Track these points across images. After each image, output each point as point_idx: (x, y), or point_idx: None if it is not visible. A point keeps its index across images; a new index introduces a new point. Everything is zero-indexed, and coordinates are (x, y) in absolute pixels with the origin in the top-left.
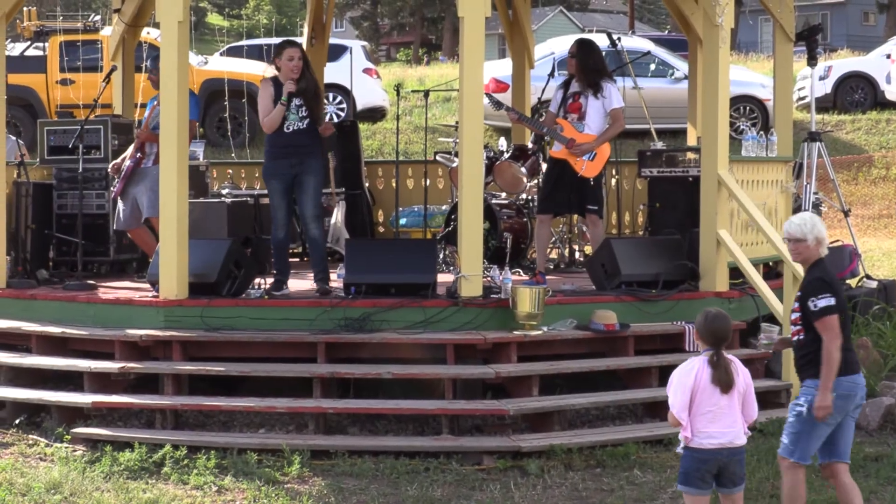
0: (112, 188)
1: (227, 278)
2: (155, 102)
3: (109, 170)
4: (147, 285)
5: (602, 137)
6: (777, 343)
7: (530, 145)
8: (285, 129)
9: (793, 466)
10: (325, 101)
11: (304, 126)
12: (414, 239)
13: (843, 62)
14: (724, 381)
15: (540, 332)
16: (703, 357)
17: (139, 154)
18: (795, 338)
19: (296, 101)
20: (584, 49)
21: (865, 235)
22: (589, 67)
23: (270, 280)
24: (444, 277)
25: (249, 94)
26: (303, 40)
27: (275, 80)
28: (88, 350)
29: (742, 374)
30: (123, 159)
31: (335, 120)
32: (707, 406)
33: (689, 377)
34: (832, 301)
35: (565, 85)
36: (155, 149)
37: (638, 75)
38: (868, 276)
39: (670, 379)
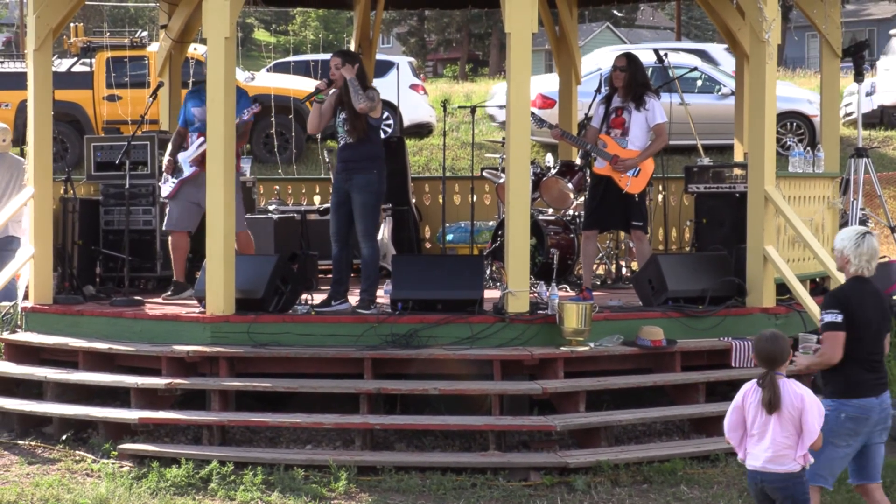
0: (161, 194)
1: (273, 294)
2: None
3: (164, 167)
4: (193, 301)
5: (646, 153)
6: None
7: (578, 161)
8: (339, 143)
9: (813, 490)
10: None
11: (351, 140)
12: (460, 255)
13: None
14: (767, 402)
15: (586, 348)
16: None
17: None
18: None
19: (342, 115)
20: (633, 62)
21: None
22: (637, 81)
23: (318, 296)
24: (490, 293)
25: (296, 110)
26: None
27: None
28: (135, 366)
29: (792, 398)
30: (172, 157)
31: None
32: (755, 427)
33: (738, 397)
34: (837, 318)
35: (607, 100)
36: None
37: (684, 91)
38: None
39: None
